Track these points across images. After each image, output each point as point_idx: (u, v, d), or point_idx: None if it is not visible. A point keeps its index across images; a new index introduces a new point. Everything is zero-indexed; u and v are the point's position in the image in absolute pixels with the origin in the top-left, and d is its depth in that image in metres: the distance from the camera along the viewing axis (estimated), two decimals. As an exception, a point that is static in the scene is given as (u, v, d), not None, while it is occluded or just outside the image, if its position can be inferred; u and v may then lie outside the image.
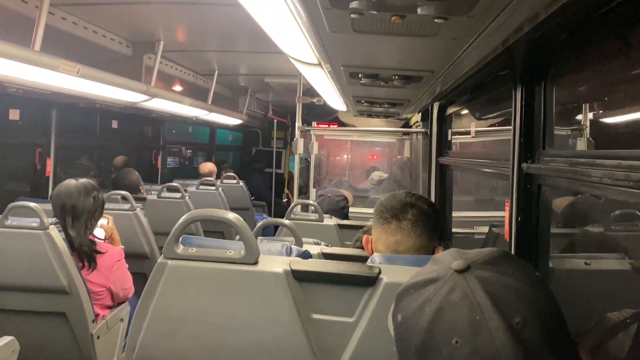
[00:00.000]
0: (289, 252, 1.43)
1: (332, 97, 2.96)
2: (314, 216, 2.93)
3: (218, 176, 5.79)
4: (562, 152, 1.54)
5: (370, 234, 1.61)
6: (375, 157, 6.71)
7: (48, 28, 2.47)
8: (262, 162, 8.24)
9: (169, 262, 1.32)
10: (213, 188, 4.83)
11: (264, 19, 1.35)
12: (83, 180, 2.65)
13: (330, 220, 2.96)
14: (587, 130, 3.17)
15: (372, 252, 1.56)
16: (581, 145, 2.97)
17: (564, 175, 1.44)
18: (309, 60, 1.71)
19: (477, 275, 0.68)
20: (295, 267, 1.29)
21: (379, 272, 1.27)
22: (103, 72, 2.88)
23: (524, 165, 1.70)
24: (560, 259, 2.03)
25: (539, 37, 1.44)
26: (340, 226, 2.92)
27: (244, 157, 8.59)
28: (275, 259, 1.34)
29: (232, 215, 1.33)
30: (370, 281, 1.27)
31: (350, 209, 3.90)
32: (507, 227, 1.84)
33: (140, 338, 1.32)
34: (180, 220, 1.33)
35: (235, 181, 5.49)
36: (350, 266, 1.33)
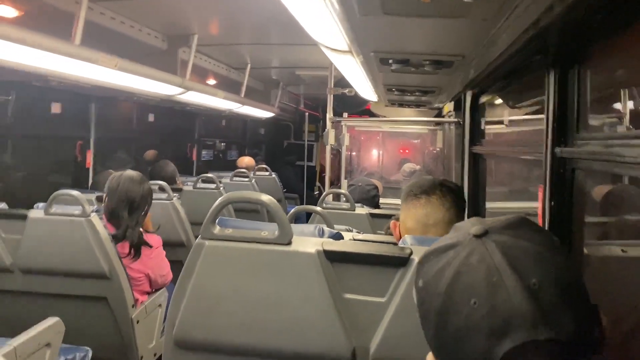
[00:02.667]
0: (321, 234, 1.46)
1: (363, 86, 2.97)
2: (346, 205, 2.95)
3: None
4: (596, 135, 1.53)
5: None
6: (406, 150, 6.69)
7: (87, 23, 2.55)
8: (293, 155, 8.29)
9: (206, 242, 1.37)
10: (247, 179, 4.91)
11: (295, 5, 1.37)
12: (139, 173, 2.77)
13: (362, 210, 2.98)
14: (627, 118, 3.08)
15: (400, 237, 1.59)
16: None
17: (598, 158, 1.43)
18: (340, 47, 1.73)
19: (494, 239, 0.70)
20: (328, 247, 1.32)
21: (411, 253, 1.29)
22: (140, 65, 2.96)
23: (558, 149, 1.69)
24: (595, 245, 2.00)
25: (572, 18, 1.42)
26: (372, 215, 2.93)
27: (275, 150, 8.66)
28: (308, 240, 1.37)
29: (266, 197, 1.37)
30: (401, 261, 1.29)
31: (382, 200, 3.91)
32: (540, 212, 1.83)
33: (180, 316, 1.37)
34: (217, 202, 1.38)
35: (267, 173, 5.56)
36: (381, 247, 1.35)
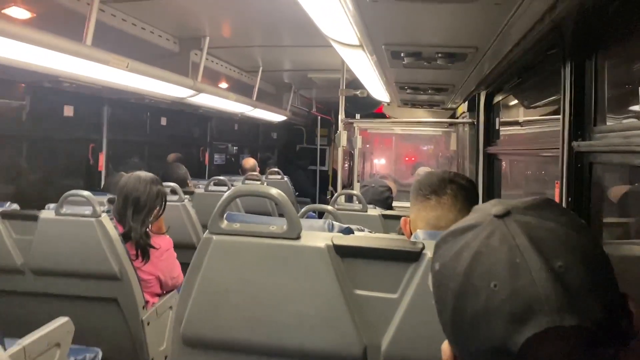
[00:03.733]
0: (331, 228, 1.43)
1: (375, 85, 2.94)
2: (358, 206, 2.92)
3: (262, 172, 5.88)
4: (614, 126, 1.48)
5: None
6: (413, 158, 6.65)
7: (99, 24, 2.56)
8: (306, 160, 8.28)
9: (214, 237, 1.34)
10: (259, 182, 4.91)
11: (305, -4, 1.35)
12: (150, 174, 2.72)
13: (375, 211, 2.95)
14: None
15: (410, 234, 1.55)
16: None
17: (617, 150, 1.38)
18: (351, 41, 1.70)
19: (517, 219, 0.65)
20: (338, 242, 1.29)
21: (423, 248, 1.25)
22: (151, 67, 2.96)
23: (574, 143, 1.64)
24: (613, 245, 1.95)
25: (588, 7, 1.39)
26: (385, 216, 2.89)
27: (288, 154, 8.65)
28: (317, 234, 1.33)
29: (275, 191, 1.34)
30: (413, 256, 1.25)
31: (396, 203, 3.86)
32: (557, 209, 1.77)
33: (187, 312, 1.35)
34: (225, 196, 1.35)
35: (279, 176, 5.56)
36: (392, 241, 1.32)
